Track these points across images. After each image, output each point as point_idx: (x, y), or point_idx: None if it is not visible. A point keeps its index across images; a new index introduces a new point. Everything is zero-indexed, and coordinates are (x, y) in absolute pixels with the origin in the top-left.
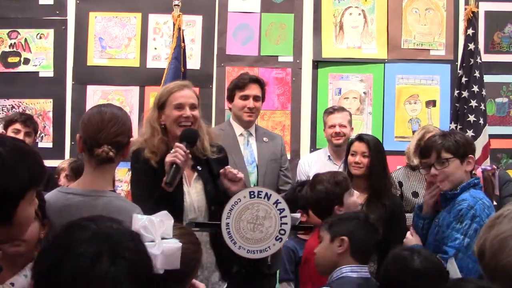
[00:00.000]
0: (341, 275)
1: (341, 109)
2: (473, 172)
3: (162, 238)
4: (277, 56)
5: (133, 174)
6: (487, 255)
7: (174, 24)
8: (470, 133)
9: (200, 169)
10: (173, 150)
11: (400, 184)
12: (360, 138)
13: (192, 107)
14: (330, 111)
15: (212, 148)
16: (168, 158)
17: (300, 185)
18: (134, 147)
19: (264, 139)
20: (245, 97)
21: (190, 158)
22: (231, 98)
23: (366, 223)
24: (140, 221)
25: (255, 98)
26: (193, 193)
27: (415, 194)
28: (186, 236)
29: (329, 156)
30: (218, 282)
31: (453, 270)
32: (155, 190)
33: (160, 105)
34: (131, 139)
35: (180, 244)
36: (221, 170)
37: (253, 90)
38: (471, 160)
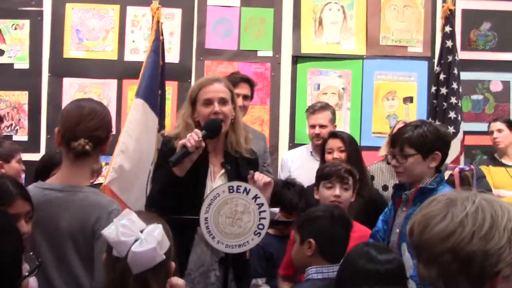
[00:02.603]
0: (307, 276)
1: (323, 108)
2: (444, 168)
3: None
4: (257, 50)
5: (158, 157)
6: (415, 232)
7: (152, 17)
8: (451, 129)
9: (229, 167)
10: (189, 134)
11: (372, 177)
12: (334, 134)
13: (222, 101)
14: (311, 111)
15: (246, 146)
16: (182, 141)
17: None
18: (167, 137)
19: (250, 135)
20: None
21: (202, 147)
22: None
23: (333, 218)
24: (113, 232)
25: (244, 97)
26: None
27: (385, 188)
28: (150, 216)
29: (311, 152)
30: (216, 282)
31: (406, 256)
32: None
33: (192, 101)
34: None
35: (160, 224)
36: (249, 175)
37: (243, 89)
38: (437, 157)
